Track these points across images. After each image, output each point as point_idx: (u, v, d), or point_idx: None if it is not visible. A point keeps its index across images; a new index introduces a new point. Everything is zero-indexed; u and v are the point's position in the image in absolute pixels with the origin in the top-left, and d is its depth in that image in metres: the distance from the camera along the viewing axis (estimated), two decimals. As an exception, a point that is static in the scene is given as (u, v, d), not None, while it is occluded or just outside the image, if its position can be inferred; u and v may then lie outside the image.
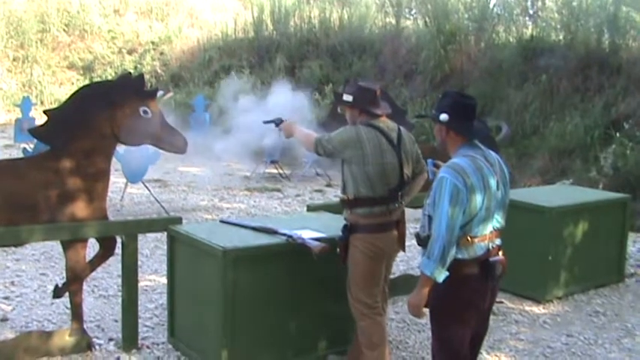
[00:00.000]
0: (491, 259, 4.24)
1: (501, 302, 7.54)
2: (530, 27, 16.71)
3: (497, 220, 4.31)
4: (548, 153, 12.91)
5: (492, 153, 4.40)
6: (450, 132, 4.34)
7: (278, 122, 5.77)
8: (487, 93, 14.73)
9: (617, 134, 12.20)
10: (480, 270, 4.21)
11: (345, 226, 5.31)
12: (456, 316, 4.27)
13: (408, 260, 8.62)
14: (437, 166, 4.94)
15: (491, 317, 7.01)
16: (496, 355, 6.30)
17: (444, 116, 4.31)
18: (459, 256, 4.16)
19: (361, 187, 5.13)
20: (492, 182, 4.21)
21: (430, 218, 4.18)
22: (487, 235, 4.24)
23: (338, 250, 5.32)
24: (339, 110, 5.66)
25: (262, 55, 20.52)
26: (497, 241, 4.34)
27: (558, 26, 15.81)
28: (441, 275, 4.11)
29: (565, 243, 7.77)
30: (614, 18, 14.36)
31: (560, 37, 15.43)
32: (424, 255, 4.18)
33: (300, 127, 5.64)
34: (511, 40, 16.22)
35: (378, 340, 5.24)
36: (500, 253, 4.37)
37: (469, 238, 4.17)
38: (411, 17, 19.89)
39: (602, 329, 7.05)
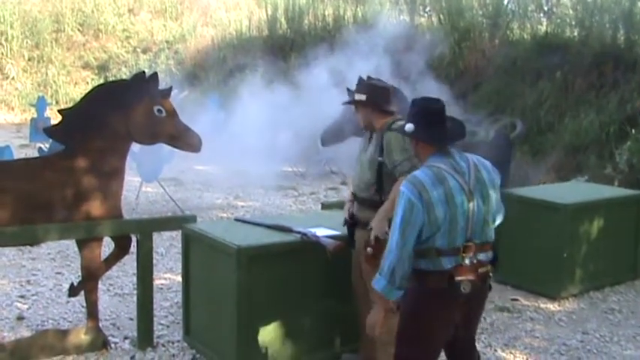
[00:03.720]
0: (457, 277, 3.98)
1: (516, 300, 7.54)
2: (544, 23, 16.62)
3: (477, 233, 4.06)
4: (563, 150, 12.84)
5: (469, 160, 4.15)
6: (419, 142, 4.22)
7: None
8: (501, 90, 14.68)
9: (633, 130, 12.12)
10: (446, 284, 3.99)
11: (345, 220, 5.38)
12: (421, 327, 4.14)
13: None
14: None
15: (506, 314, 7.09)
16: (511, 353, 6.29)
17: (409, 126, 4.18)
18: (423, 267, 4.02)
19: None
20: (458, 194, 3.99)
21: None
22: (458, 248, 4.01)
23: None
24: (352, 109, 5.67)
25: (276, 54, 20.50)
26: (481, 256, 4.09)
27: (573, 22, 15.72)
28: (392, 293, 4.01)
29: (580, 240, 7.74)
30: (630, 14, 14.28)
31: (575, 34, 15.34)
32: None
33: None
34: (525, 36, 16.14)
35: (392, 338, 5.22)
36: (484, 269, 4.10)
37: (435, 251, 3.99)
38: (425, 14, 19.84)
39: (617, 326, 7.03)
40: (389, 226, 4.43)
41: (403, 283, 4.00)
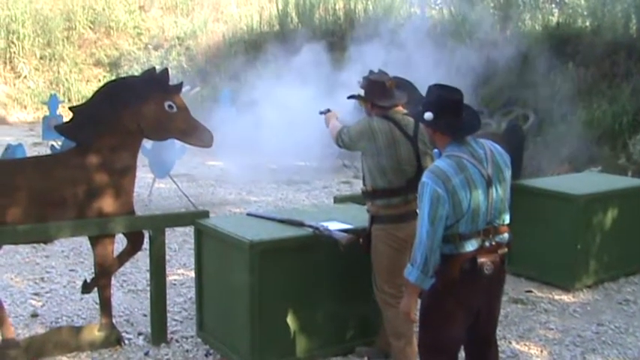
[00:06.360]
0: (479, 258, 4.09)
1: (530, 291, 7.52)
2: (556, 14, 16.56)
3: (496, 217, 4.18)
4: (576, 140, 12.79)
5: (485, 146, 4.24)
6: (436, 131, 4.26)
7: (325, 112, 5.89)
8: (513, 81, 14.63)
9: (646, 120, 12.10)
10: (469, 266, 4.10)
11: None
12: (445, 312, 4.21)
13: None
14: None
15: (521, 306, 7.06)
16: (525, 345, 6.27)
17: (427, 115, 4.20)
18: (447, 251, 4.09)
19: (377, 178, 5.22)
20: (479, 181, 4.08)
21: None
22: (480, 231, 4.12)
23: (360, 240, 5.36)
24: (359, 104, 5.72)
25: (288, 48, 20.47)
26: (499, 238, 4.20)
27: (585, 12, 15.65)
28: (426, 282, 4.09)
29: (594, 231, 7.70)
30: (642, 3, 14.23)
31: (587, 24, 15.28)
32: (409, 261, 4.16)
33: (335, 119, 5.71)
34: (537, 27, 16.07)
35: (404, 330, 5.25)
36: (502, 250, 4.22)
37: (458, 236, 4.08)
38: (436, 7, 19.79)
39: (632, 317, 6.99)
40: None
41: (434, 270, 4.09)
